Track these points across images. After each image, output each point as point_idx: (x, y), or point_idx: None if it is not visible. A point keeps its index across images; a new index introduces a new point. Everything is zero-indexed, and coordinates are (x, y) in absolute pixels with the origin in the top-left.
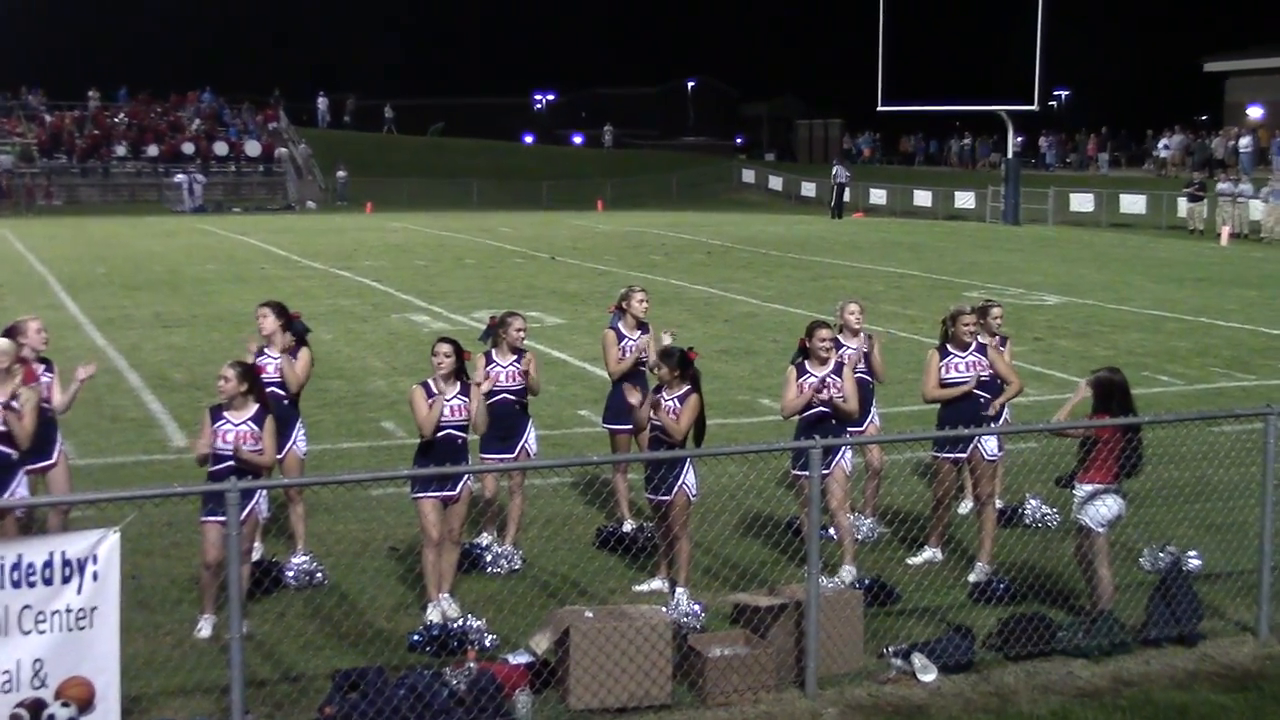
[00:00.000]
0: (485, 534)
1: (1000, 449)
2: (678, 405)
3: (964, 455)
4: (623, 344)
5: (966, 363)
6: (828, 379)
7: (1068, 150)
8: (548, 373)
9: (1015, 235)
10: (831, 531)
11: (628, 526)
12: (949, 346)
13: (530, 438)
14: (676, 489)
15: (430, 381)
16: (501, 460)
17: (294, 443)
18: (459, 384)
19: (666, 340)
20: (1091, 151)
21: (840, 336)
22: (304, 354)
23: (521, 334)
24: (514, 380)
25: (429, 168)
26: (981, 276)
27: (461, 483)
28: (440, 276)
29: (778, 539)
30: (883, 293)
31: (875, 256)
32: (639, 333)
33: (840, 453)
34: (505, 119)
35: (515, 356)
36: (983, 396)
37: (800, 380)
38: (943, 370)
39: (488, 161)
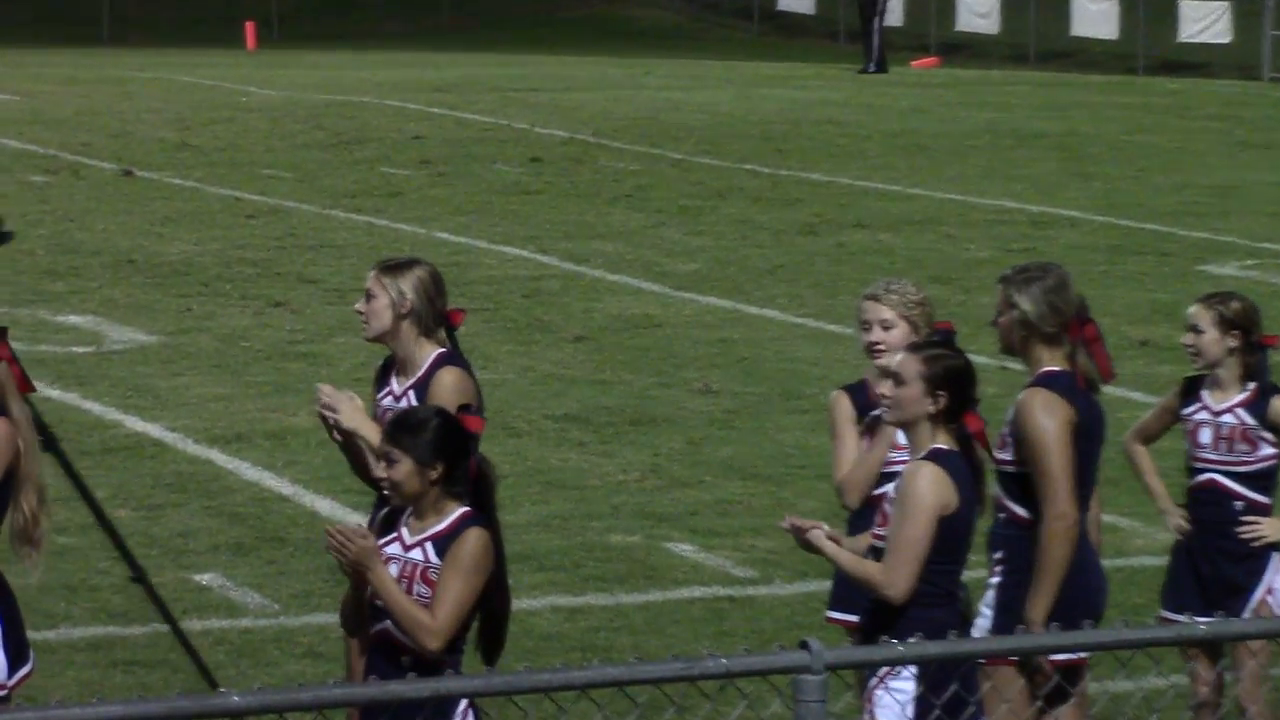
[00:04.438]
0: None
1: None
2: (431, 559)
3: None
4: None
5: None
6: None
7: None
8: (100, 470)
9: None
10: None
11: None
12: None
13: None
14: None
15: None
16: None
17: None
18: None
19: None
20: None
21: (870, 374)
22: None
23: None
24: None
25: None
26: (1241, 224)
27: None
28: None
29: None
30: (986, 264)
31: (971, 169)
32: (398, 382)
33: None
34: None
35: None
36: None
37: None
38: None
39: None
